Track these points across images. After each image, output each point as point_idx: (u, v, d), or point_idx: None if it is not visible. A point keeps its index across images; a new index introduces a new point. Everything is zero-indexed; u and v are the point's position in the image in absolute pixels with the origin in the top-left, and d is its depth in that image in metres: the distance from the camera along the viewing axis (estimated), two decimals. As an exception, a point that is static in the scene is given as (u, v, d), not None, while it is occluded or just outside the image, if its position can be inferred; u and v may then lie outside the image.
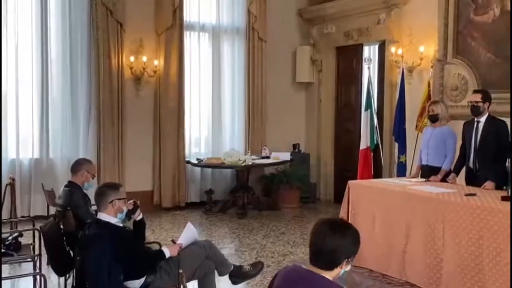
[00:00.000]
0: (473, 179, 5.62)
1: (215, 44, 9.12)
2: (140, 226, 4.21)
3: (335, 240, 2.43)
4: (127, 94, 8.42)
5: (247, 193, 8.69)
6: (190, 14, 8.87)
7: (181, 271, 3.65)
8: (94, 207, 4.30)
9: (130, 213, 4.06)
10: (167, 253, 3.94)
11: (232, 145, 9.21)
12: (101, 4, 8.05)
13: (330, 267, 2.45)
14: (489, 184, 5.31)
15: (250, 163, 8.44)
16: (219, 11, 9.12)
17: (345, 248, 2.44)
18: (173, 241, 4.22)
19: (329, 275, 2.45)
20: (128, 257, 3.70)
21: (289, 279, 2.51)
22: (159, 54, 8.62)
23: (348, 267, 2.49)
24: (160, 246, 4.35)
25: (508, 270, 4.29)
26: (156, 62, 8.57)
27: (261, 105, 9.39)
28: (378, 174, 8.01)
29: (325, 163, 9.67)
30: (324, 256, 2.44)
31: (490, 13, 6.89)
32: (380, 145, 8.11)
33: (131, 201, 4.07)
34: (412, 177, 6.29)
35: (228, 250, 6.49)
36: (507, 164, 4.91)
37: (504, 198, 4.67)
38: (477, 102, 5.56)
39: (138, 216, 4.15)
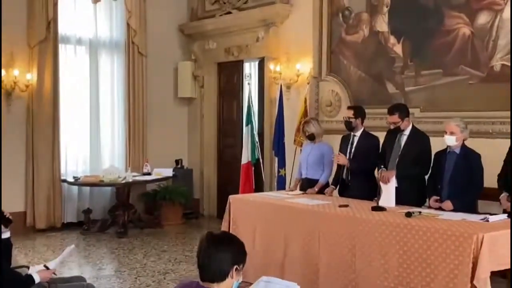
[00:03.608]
0: (345, 190, 5.91)
1: (92, 58, 8.84)
2: (6, 245, 3.92)
3: (218, 254, 2.47)
4: (-4, 110, 7.93)
5: (128, 211, 8.42)
6: (65, 26, 8.53)
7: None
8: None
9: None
10: (37, 278, 3.71)
11: (112, 162, 8.96)
12: (-34, 13, 7.55)
13: (220, 279, 2.47)
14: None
15: (130, 180, 8.25)
16: (96, 24, 8.85)
17: (230, 259, 2.48)
18: (46, 266, 3.98)
19: (223, 287, 2.48)
20: (-9, 283, 3.45)
21: None
22: (32, 68, 8.20)
23: (240, 278, 2.52)
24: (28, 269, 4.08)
25: (379, 276, 4.52)
26: (28, 76, 8.14)
27: (143, 121, 9.20)
28: (259, 188, 8.14)
29: (208, 178, 9.68)
30: (211, 271, 2.47)
31: (360, 33, 7.31)
32: (261, 159, 8.27)
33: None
34: (291, 190, 6.47)
35: (107, 271, 6.26)
36: (376, 176, 5.20)
37: (374, 208, 4.94)
38: (349, 117, 5.89)
39: (5, 234, 3.87)
